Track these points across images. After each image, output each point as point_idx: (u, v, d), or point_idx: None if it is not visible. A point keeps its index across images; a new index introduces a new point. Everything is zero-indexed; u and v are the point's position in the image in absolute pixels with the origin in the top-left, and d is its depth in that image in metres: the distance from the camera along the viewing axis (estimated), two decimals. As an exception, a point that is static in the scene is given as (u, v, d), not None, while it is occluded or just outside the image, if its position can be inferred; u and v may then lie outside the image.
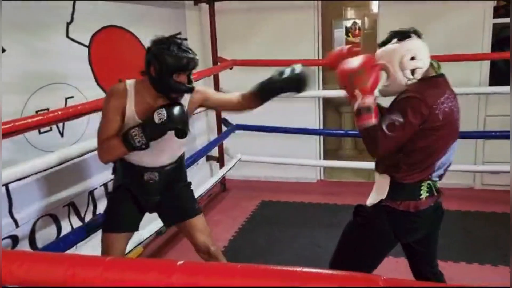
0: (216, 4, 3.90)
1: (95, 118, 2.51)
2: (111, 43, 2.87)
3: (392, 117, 1.53)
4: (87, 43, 2.63)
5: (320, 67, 4.28)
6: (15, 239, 2.15)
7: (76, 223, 2.52)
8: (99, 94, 2.68)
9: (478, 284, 2.49)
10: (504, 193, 3.71)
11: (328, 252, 1.90)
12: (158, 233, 2.96)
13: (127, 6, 3.01)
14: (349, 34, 6.04)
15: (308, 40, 4.13)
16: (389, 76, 1.65)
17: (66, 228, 2.44)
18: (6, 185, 2.02)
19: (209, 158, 4.28)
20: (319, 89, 4.27)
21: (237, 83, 4.13)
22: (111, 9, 2.86)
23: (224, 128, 4.15)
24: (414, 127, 1.54)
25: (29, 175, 2.02)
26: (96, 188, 2.72)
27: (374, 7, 5.28)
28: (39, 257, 0.89)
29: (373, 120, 1.54)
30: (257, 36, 4.19)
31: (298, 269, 0.68)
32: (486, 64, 3.79)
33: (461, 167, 3.83)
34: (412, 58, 1.59)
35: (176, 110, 1.74)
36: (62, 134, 2.43)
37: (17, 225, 2.15)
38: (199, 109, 2.17)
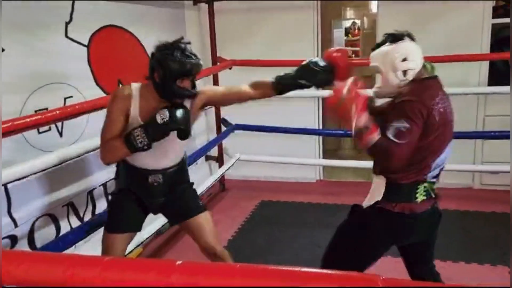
0: (216, 4, 3.90)
1: (94, 118, 2.52)
2: (110, 43, 2.87)
3: (397, 125, 1.52)
4: (86, 43, 2.63)
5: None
6: (14, 239, 2.15)
7: (75, 223, 2.52)
8: (98, 94, 2.68)
9: (477, 284, 2.49)
10: (503, 193, 3.71)
11: (327, 252, 1.90)
12: (158, 232, 2.95)
13: (126, 6, 3.01)
14: (349, 34, 6.05)
15: (308, 40, 4.13)
16: (382, 78, 1.67)
17: (65, 228, 2.43)
18: (5, 185, 2.02)
19: (208, 158, 4.28)
20: (318, 89, 4.27)
21: (236, 83, 4.13)
22: (111, 9, 2.85)
23: (223, 128, 4.15)
24: (420, 129, 1.54)
25: (28, 175, 2.02)
26: (95, 188, 2.72)
27: (373, 7, 5.29)
28: (38, 257, 0.89)
29: (375, 135, 1.52)
30: (256, 36, 4.19)
31: (297, 269, 0.68)
32: (485, 64, 3.79)
33: (460, 166, 3.84)
34: (404, 60, 1.61)
35: (179, 110, 1.75)
36: (61, 134, 2.43)
37: (16, 225, 2.15)
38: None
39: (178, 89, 1.77)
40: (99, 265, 0.79)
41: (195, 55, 1.78)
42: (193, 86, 1.83)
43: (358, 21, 5.87)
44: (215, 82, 4.03)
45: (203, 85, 4.16)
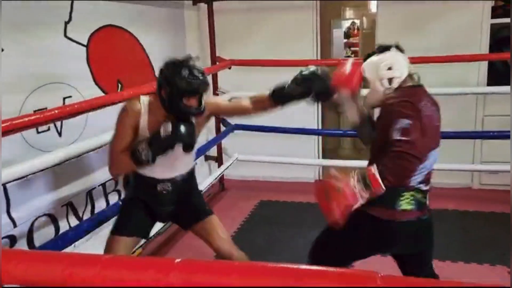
0: (215, 4, 3.90)
1: (94, 118, 2.52)
2: (110, 43, 2.86)
3: (399, 126, 1.51)
4: (85, 43, 2.63)
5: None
6: (13, 239, 2.15)
7: (74, 223, 2.51)
8: (97, 93, 2.68)
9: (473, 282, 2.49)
10: (502, 192, 3.71)
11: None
12: (157, 233, 2.95)
13: (125, 5, 3.00)
14: (350, 38, 6.05)
15: (307, 40, 4.13)
16: (370, 86, 1.75)
17: (64, 228, 2.43)
18: (4, 185, 2.02)
19: (207, 158, 4.28)
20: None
21: (236, 83, 4.15)
22: (110, 9, 2.85)
23: (222, 128, 4.15)
24: (419, 124, 1.53)
25: (27, 175, 2.01)
26: (94, 188, 2.72)
27: (373, 7, 5.29)
28: (37, 256, 0.89)
29: (377, 175, 1.44)
30: (255, 36, 4.19)
31: (296, 266, 0.68)
32: (484, 64, 3.79)
33: (459, 166, 3.84)
34: (389, 68, 1.68)
35: (182, 125, 1.78)
36: (60, 134, 2.43)
37: (15, 225, 2.15)
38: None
39: (185, 107, 1.80)
40: (98, 263, 0.79)
41: (202, 74, 1.80)
42: (200, 103, 1.85)
43: (357, 21, 5.88)
44: (215, 82, 4.03)
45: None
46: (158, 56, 3.35)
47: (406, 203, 1.64)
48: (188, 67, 1.77)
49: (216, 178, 3.88)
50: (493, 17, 3.68)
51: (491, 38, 3.72)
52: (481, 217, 3.44)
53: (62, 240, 2.13)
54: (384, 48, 1.74)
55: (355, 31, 5.94)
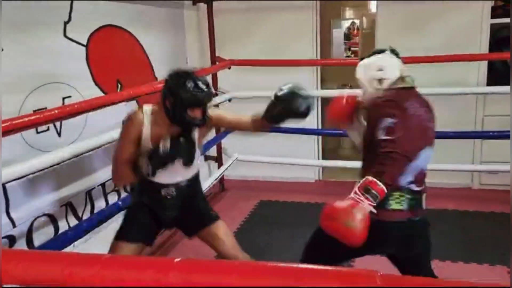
0: (215, 4, 3.90)
1: (93, 118, 2.52)
2: (109, 43, 2.86)
3: (383, 125, 1.53)
4: (84, 43, 2.63)
5: (318, 67, 4.28)
6: (12, 239, 2.14)
7: (74, 223, 2.51)
8: (97, 93, 2.68)
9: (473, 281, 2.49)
10: (502, 192, 3.71)
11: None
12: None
13: (125, 5, 3.00)
14: (350, 39, 6.04)
15: (307, 40, 4.13)
16: (362, 87, 1.79)
17: (63, 228, 2.42)
18: (3, 185, 2.02)
19: (207, 158, 4.27)
20: (317, 89, 4.27)
21: (235, 83, 4.15)
22: (109, 9, 2.85)
23: (222, 128, 4.15)
24: (403, 123, 1.54)
25: (27, 175, 2.01)
26: (93, 188, 2.71)
27: (373, 7, 5.29)
28: (36, 256, 0.89)
29: (384, 188, 1.44)
30: (255, 36, 4.19)
31: (295, 265, 0.68)
32: (484, 64, 3.80)
33: (459, 166, 3.85)
34: (380, 70, 1.72)
35: (180, 142, 1.82)
36: (59, 134, 2.43)
37: (14, 225, 2.14)
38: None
39: (189, 118, 1.82)
40: (98, 263, 0.79)
41: (207, 85, 1.83)
42: (204, 114, 1.87)
43: (357, 21, 5.87)
44: (214, 82, 4.03)
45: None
46: (157, 56, 3.35)
47: (395, 203, 1.63)
48: (192, 78, 1.79)
49: (216, 179, 3.88)
50: (492, 17, 3.68)
51: (491, 38, 3.72)
52: (481, 217, 3.44)
53: (61, 240, 2.13)
54: (379, 51, 1.79)
55: (355, 31, 5.94)
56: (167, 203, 1.99)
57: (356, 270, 0.68)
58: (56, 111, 1.99)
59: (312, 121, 4.27)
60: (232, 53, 3.98)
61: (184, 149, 1.84)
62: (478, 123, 3.89)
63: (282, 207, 3.86)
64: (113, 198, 2.84)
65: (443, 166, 3.66)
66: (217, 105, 3.62)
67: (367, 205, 1.40)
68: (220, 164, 4.24)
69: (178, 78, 1.81)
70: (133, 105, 3.02)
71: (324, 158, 4.51)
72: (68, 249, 2.21)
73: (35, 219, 2.28)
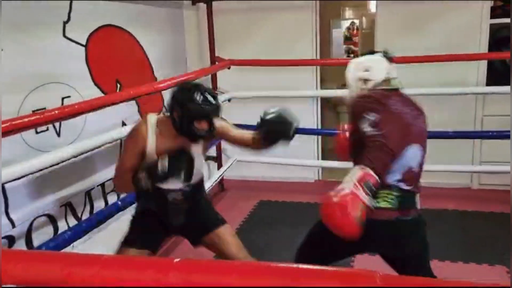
0: (214, 4, 3.90)
1: (92, 118, 2.51)
2: (108, 43, 2.86)
3: (366, 121, 1.53)
4: (84, 43, 2.62)
5: (318, 67, 4.28)
6: (11, 240, 2.14)
7: (73, 223, 2.51)
8: (96, 93, 2.68)
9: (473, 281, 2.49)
10: (501, 192, 3.71)
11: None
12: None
13: (124, 5, 3.00)
14: (350, 35, 6.04)
15: (306, 40, 4.13)
16: (349, 86, 1.85)
17: (63, 229, 2.42)
18: (2, 185, 2.01)
19: (207, 158, 4.27)
20: (317, 89, 4.28)
21: (235, 83, 4.15)
22: (109, 9, 2.85)
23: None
24: (385, 117, 1.56)
25: (26, 175, 2.01)
26: (93, 188, 2.71)
27: (372, 7, 5.29)
28: (36, 256, 0.89)
29: (376, 177, 1.44)
30: (255, 36, 4.19)
31: (295, 266, 0.68)
32: (483, 64, 3.80)
33: (459, 167, 3.85)
34: (366, 70, 1.76)
35: (178, 160, 1.82)
36: (59, 134, 2.42)
37: (13, 226, 2.14)
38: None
39: (195, 130, 1.84)
40: (98, 263, 0.79)
41: (215, 98, 1.85)
42: (211, 126, 1.88)
43: (357, 21, 5.87)
44: (214, 82, 4.03)
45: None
46: (157, 56, 3.35)
47: (384, 201, 1.62)
48: (200, 91, 1.81)
49: (216, 180, 3.88)
50: (492, 17, 3.69)
51: (490, 38, 3.72)
52: (480, 217, 3.44)
53: (61, 240, 2.12)
54: (371, 52, 1.84)
55: (355, 31, 5.95)
56: (175, 208, 1.98)
57: (356, 270, 0.68)
58: (56, 112, 1.99)
59: (312, 121, 4.28)
60: (232, 53, 3.98)
61: (183, 167, 1.84)
62: (478, 123, 3.89)
63: (281, 207, 3.86)
64: (112, 198, 2.84)
65: (442, 167, 3.67)
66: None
67: (365, 197, 1.40)
68: (220, 165, 4.24)
69: (186, 90, 1.83)
70: (132, 105, 3.02)
71: (323, 158, 4.51)
72: (67, 249, 2.21)
73: (34, 219, 2.28)
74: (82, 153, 2.32)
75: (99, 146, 2.44)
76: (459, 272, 2.65)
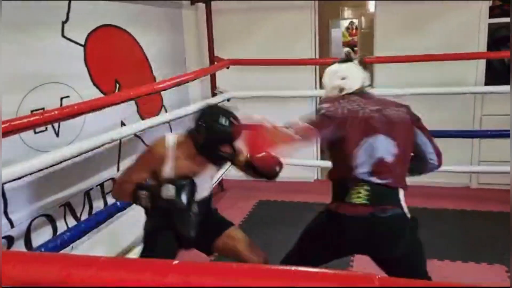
0: (213, 3, 3.90)
1: (92, 118, 2.51)
2: (107, 43, 2.86)
3: (320, 110, 1.75)
4: (82, 43, 2.62)
5: (317, 67, 4.28)
6: (10, 240, 2.14)
7: (72, 223, 2.51)
8: (95, 93, 2.68)
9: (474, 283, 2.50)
10: (500, 192, 3.72)
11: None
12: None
13: (123, 5, 3.00)
14: (348, 34, 6.05)
15: (305, 40, 4.13)
16: (325, 91, 1.91)
17: (62, 229, 2.42)
18: (1, 185, 2.01)
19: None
20: (316, 88, 4.28)
21: (234, 83, 4.15)
22: (107, 8, 2.85)
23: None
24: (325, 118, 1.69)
25: (25, 175, 2.00)
26: (92, 189, 2.71)
27: (371, 6, 5.30)
28: (35, 257, 0.89)
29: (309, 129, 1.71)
30: (254, 36, 4.19)
31: (293, 268, 0.68)
32: (482, 64, 3.80)
33: (458, 167, 3.85)
34: (343, 79, 1.81)
35: (183, 191, 1.78)
36: (57, 134, 2.42)
37: (12, 226, 2.14)
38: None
39: (220, 153, 1.87)
40: (96, 264, 0.79)
41: (237, 120, 1.88)
42: (234, 150, 1.91)
43: (355, 21, 5.88)
44: (213, 82, 4.03)
45: (201, 84, 4.16)
46: (156, 55, 3.35)
47: (356, 197, 1.61)
48: (226, 115, 1.84)
49: (216, 181, 3.88)
50: (491, 17, 3.69)
51: (489, 38, 3.73)
52: (479, 216, 3.44)
53: (60, 241, 2.12)
54: (346, 60, 1.89)
55: (354, 30, 5.95)
56: (191, 220, 1.92)
57: (354, 272, 0.68)
58: (56, 112, 1.99)
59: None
60: (231, 53, 3.97)
61: (186, 200, 1.80)
62: (476, 122, 3.89)
63: (281, 206, 3.86)
64: (112, 199, 2.84)
65: (441, 167, 3.66)
66: None
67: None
68: (219, 164, 4.23)
69: (214, 113, 1.86)
70: (132, 105, 3.02)
71: (323, 158, 4.51)
72: (66, 250, 2.21)
73: (33, 220, 2.28)
74: (81, 153, 2.31)
75: (98, 146, 2.44)
76: (458, 272, 2.65)
